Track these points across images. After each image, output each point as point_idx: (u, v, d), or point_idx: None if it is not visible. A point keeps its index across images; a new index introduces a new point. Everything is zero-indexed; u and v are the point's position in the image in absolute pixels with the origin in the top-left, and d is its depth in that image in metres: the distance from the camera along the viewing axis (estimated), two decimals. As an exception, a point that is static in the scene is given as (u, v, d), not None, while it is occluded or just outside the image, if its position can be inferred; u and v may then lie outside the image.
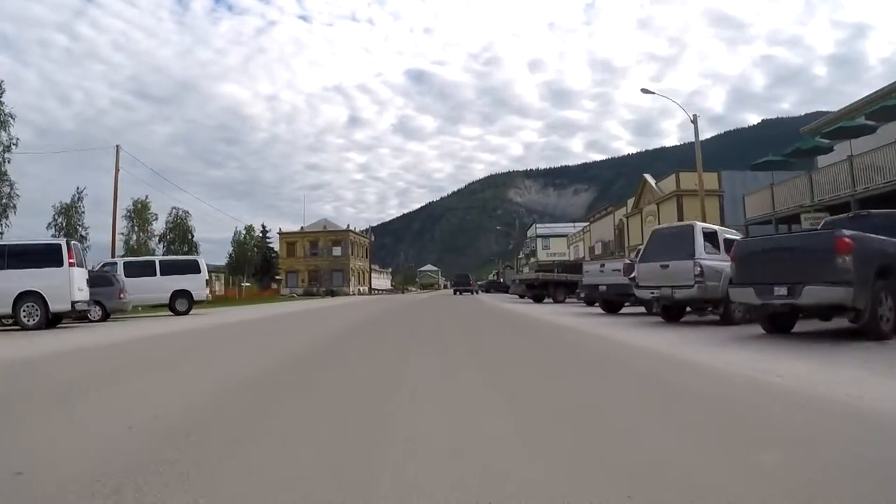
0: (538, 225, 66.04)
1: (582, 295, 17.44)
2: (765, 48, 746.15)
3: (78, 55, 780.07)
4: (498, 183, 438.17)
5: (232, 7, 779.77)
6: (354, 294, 60.51)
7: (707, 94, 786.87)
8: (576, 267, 23.96)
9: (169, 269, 18.45)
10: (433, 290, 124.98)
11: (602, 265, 15.75)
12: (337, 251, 64.24)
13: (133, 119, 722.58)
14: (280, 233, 65.09)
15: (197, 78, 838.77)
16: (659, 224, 29.16)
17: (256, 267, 51.86)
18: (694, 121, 22.44)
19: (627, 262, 13.68)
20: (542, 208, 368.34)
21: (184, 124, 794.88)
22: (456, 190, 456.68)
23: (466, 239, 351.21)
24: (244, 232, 43.82)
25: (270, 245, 55.87)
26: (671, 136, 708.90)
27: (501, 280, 69.98)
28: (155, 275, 17.91)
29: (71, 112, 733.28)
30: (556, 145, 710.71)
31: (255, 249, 46.31)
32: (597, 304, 15.81)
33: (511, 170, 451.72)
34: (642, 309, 12.98)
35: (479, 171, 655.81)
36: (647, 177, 32.43)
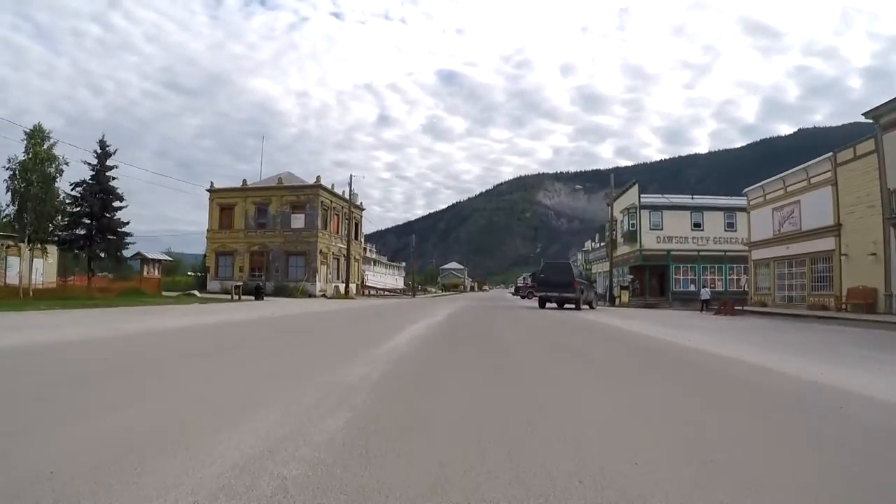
0: (642, 195, 38.72)
1: None
2: (799, 58, 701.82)
3: (111, 45, 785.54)
4: (526, 185, 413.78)
5: (265, 2, 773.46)
6: (321, 296, 34.97)
7: (740, 104, 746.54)
8: None
9: None
10: (457, 291, 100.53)
11: None
12: (298, 221, 37.78)
13: (163, 110, 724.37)
14: (210, 189, 39.45)
15: (228, 72, 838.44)
16: None
17: (89, 230, 25.55)
18: None
19: None
20: (572, 212, 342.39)
21: (213, 117, 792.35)
22: (483, 191, 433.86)
23: (493, 240, 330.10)
24: (28, 141, 18.70)
25: (115, 185, 25.73)
26: (702, 144, 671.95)
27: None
28: None
29: (102, 101, 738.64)
30: (585, 150, 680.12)
31: (74, 192, 21.15)
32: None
33: (540, 172, 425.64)
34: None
35: (508, 174, 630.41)
36: None
